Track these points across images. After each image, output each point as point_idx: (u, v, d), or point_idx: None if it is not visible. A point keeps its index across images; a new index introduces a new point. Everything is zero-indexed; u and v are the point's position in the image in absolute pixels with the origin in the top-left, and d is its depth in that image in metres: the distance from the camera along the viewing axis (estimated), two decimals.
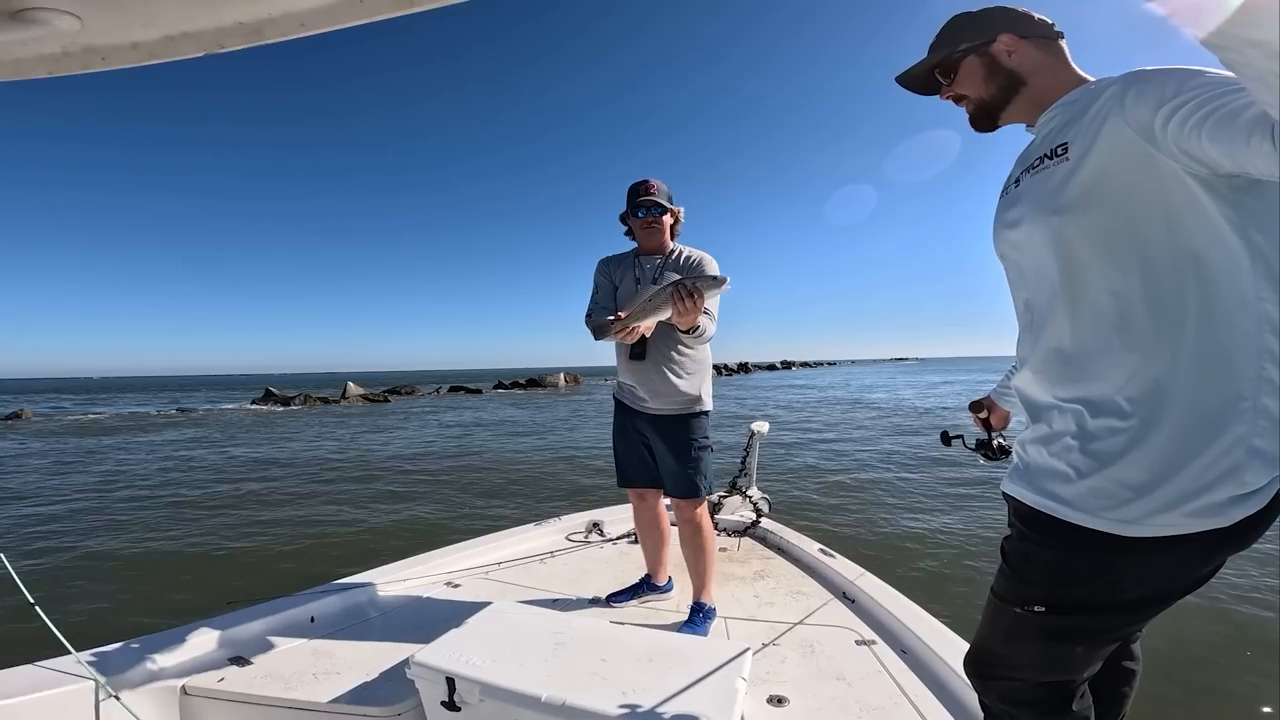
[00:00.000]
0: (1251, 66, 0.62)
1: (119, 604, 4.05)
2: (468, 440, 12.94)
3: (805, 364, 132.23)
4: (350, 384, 32.83)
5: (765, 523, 3.03)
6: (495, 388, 41.92)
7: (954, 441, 1.66)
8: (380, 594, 2.21)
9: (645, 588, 2.35)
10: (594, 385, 44.87)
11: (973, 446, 1.57)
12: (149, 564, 4.80)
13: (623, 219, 2.22)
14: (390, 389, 37.59)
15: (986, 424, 1.54)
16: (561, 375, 44.43)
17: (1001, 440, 1.53)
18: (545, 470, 9.04)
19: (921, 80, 1.18)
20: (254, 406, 27.92)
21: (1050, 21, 1.07)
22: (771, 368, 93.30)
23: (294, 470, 9.29)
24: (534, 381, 42.81)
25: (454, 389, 40.56)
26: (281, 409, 25.68)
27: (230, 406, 28.51)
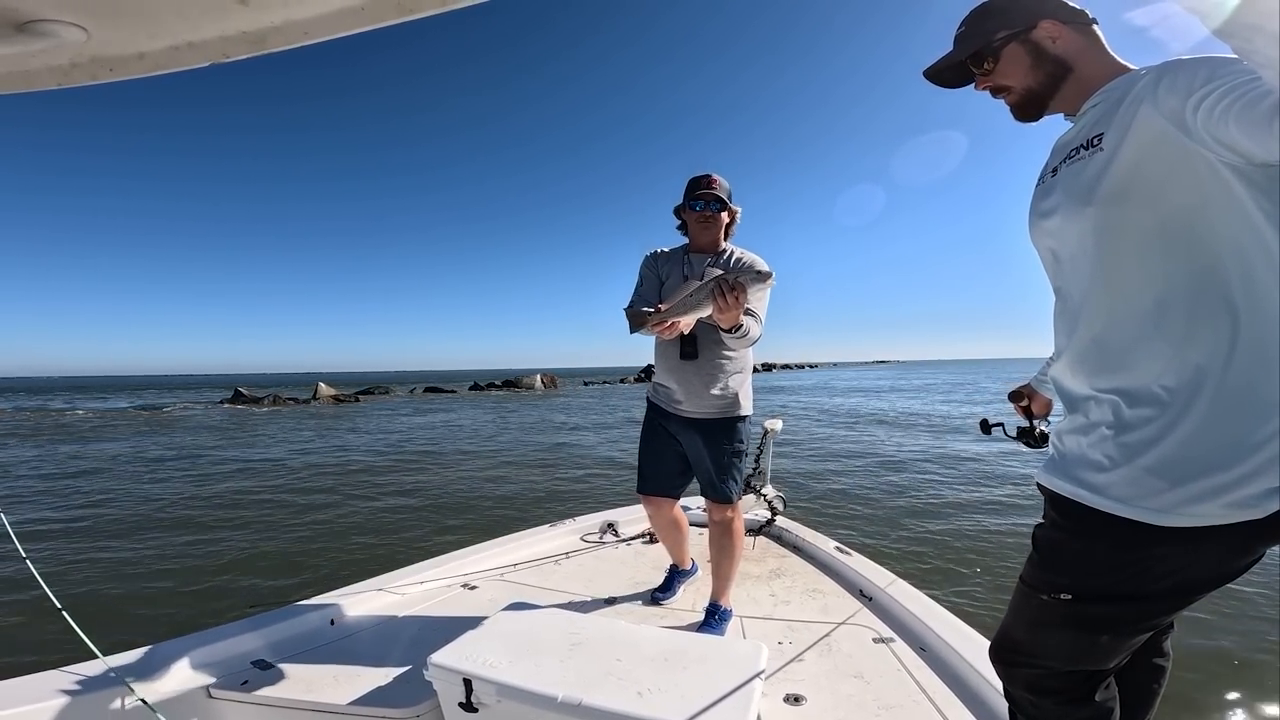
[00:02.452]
0: (1260, 54, 0.61)
1: (141, 607, 4.10)
2: (455, 443, 12.77)
3: (787, 366, 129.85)
4: (321, 384, 32.38)
5: (780, 521, 2.99)
6: (471, 389, 40.31)
7: (994, 429, 1.63)
8: (397, 596, 2.21)
9: (677, 578, 2.38)
10: (574, 388, 43.57)
11: (1014, 434, 1.54)
12: (166, 568, 4.81)
13: (677, 212, 2.14)
14: (363, 389, 37.04)
15: (1028, 412, 1.52)
16: (538, 376, 42.16)
17: (1044, 428, 1.50)
18: (531, 476, 9.03)
19: (953, 73, 1.14)
20: (225, 406, 27.57)
21: (1084, 9, 1.04)
22: (753, 370, 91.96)
23: (291, 473, 9.25)
24: (511, 383, 40.79)
25: (429, 390, 39.76)
26: (257, 409, 25.48)
27: (199, 407, 27.98)
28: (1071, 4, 1.04)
